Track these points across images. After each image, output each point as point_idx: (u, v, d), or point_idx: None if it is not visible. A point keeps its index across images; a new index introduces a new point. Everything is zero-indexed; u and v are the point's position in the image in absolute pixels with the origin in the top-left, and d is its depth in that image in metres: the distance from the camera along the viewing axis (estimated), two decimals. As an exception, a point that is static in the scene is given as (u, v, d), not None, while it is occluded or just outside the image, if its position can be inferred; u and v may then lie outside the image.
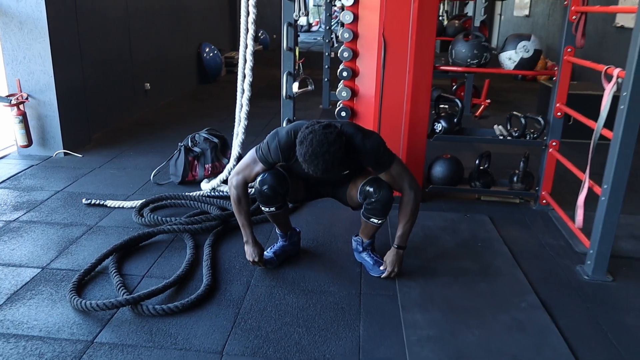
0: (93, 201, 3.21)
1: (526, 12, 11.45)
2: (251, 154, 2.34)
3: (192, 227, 2.79)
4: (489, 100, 6.15)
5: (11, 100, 3.87)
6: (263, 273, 2.51)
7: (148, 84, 5.80)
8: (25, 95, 3.97)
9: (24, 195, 3.34)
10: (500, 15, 13.65)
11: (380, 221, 2.39)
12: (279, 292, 2.35)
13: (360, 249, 2.59)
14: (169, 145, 4.21)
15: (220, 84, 7.69)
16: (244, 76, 3.25)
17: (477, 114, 6.04)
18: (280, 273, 2.52)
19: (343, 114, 3.26)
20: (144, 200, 3.17)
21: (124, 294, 2.22)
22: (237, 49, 3.11)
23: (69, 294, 2.23)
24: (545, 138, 3.28)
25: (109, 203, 3.19)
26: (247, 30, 3.23)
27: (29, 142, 4.03)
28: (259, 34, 11.54)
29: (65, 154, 4.12)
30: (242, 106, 3.29)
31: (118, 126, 5.06)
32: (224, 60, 8.26)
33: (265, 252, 2.57)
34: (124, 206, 3.17)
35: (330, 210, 3.25)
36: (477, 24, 5.58)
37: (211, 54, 7.81)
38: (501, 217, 3.24)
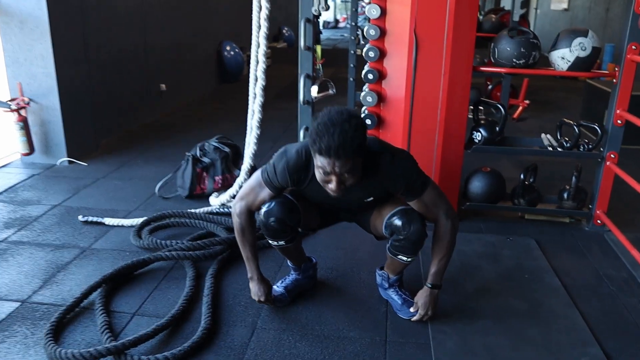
0: (90, 218, 2.90)
1: (564, 5, 10.82)
2: (257, 176, 1.98)
3: (194, 253, 2.45)
4: (527, 101, 5.68)
5: (11, 106, 3.61)
6: (271, 312, 2.15)
7: (164, 85, 5.50)
8: (26, 100, 3.70)
9: (19, 210, 3.05)
10: (536, 9, 12.99)
11: (409, 259, 2.01)
12: (290, 338, 1.99)
13: (386, 285, 2.20)
14: (182, 151, 3.86)
15: (241, 84, 7.35)
16: (256, 79, 2.89)
17: (514, 115, 5.57)
18: (291, 312, 2.15)
19: (368, 121, 2.88)
20: (145, 218, 2.85)
21: (108, 338, 1.90)
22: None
23: (45, 338, 1.91)
24: (602, 149, 2.84)
25: (107, 221, 2.88)
26: (259, 27, 2.88)
27: (31, 150, 3.77)
28: (284, 31, 11.19)
29: (69, 162, 3.85)
30: (253, 113, 2.94)
31: (129, 131, 4.78)
32: (246, 59, 7.93)
33: (274, 287, 2.22)
34: (123, 224, 2.86)
35: (352, 232, 2.85)
36: (515, 18, 5.14)
37: (232, 53, 7.49)
38: (549, 240, 2.81)
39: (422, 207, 1.91)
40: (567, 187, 2.96)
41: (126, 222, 2.87)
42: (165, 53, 5.57)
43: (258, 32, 2.88)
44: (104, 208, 3.10)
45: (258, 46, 2.90)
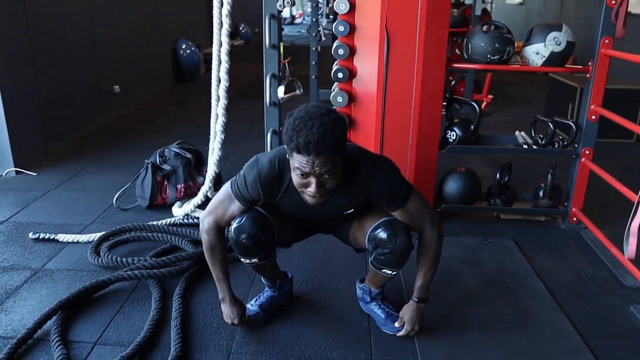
0: (42, 235, 2.66)
1: (519, -1, 10.98)
2: (226, 188, 1.81)
3: (159, 271, 2.26)
4: (491, 96, 5.67)
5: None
6: (247, 334, 1.99)
7: (117, 87, 5.22)
8: (-35, 106, 3.39)
9: (-40, 229, 2.79)
10: (492, 3, 13.16)
11: (394, 272, 1.88)
12: (268, 363, 1.84)
13: (368, 298, 2.08)
14: (140, 157, 3.62)
15: (198, 83, 7.12)
16: (219, 80, 2.71)
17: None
18: (268, 333, 2.00)
19: (340, 99, 2.73)
20: (103, 233, 2.63)
21: (65, 375, 1.70)
22: (215, 46, 2.64)
23: (-8, 378, 1.70)
24: (576, 146, 2.79)
25: (61, 237, 2.65)
26: (221, 24, 2.70)
27: (-28, 161, 3.47)
28: (240, 28, 10.94)
29: (17, 172, 3.56)
30: (217, 117, 2.76)
31: (82, 135, 4.49)
32: (202, 57, 7.67)
33: (248, 306, 2.06)
34: (79, 241, 2.64)
35: (325, 240, 2.71)
36: (477, 12, 5.11)
37: (188, 51, 7.22)
38: (527, 240, 2.75)
39: (407, 217, 1.79)
40: (543, 185, 2.91)
41: (82, 237, 2.64)
42: (117, 52, 5.28)
43: (220, 30, 2.70)
44: (57, 223, 2.86)
45: (220, 44, 2.72)
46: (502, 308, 2.15)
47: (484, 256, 2.57)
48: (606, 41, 2.58)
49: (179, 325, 1.97)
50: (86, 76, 4.67)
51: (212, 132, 2.83)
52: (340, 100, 2.72)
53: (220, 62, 2.69)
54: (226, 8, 2.65)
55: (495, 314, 2.12)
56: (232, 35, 10.61)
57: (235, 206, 1.79)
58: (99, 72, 4.88)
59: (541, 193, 2.90)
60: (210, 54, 2.84)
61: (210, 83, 2.80)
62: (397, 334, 1.96)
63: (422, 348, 1.91)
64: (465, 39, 2.69)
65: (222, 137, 2.76)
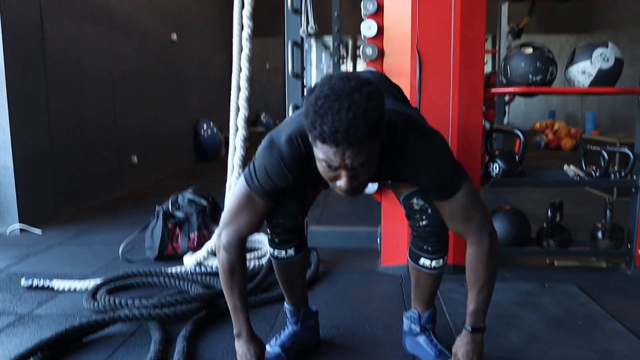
0: (35, 282, 2.36)
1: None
2: (242, 188, 1.47)
3: (162, 311, 1.92)
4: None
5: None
6: (265, 379, 1.61)
7: (135, 157, 5.11)
8: (-27, 159, 3.24)
9: (-52, 280, 2.50)
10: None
11: (435, 263, 1.57)
12: (291, 411, 1.45)
13: (417, 329, 1.69)
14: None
15: (219, 164, 7.00)
16: (237, 109, 2.52)
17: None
18: (291, 377, 1.62)
19: (370, 185, 2.48)
20: (103, 279, 2.32)
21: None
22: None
23: None
24: (635, 177, 2.48)
25: (56, 284, 2.34)
26: (237, 109, 2.54)
27: (-25, 216, 3.26)
28: (262, 117, 11.12)
29: (21, 230, 3.32)
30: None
31: (96, 202, 4.29)
32: (223, 139, 7.66)
33: (267, 347, 1.68)
34: (76, 288, 2.32)
35: (357, 285, 2.39)
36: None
37: (209, 132, 7.22)
38: (591, 285, 2.36)
39: (450, 213, 1.44)
40: (600, 225, 2.56)
41: (79, 284, 2.33)
42: (138, 125, 5.23)
43: (236, 115, 2.55)
44: (55, 273, 2.57)
45: (237, 130, 2.56)
46: (579, 350, 1.75)
47: (545, 300, 2.18)
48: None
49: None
50: (105, 144, 4.56)
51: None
52: None
53: (235, 149, 2.51)
54: (244, 93, 2.51)
55: (572, 356, 1.71)
56: (254, 122, 10.81)
57: (260, 205, 1.46)
58: (118, 142, 4.79)
59: (600, 234, 2.55)
60: None
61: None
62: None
63: (486, 394, 1.50)
64: (503, 62, 2.50)
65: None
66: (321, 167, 1.25)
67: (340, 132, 1.14)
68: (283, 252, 1.64)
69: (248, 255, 2.62)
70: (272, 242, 1.66)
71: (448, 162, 1.39)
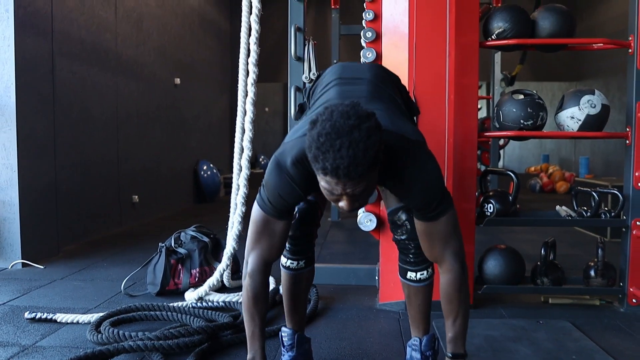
0: (39, 315, 2.40)
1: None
2: (257, 216, 1.56)
3: (165, 343, 1.96)
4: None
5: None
6: (267, 408, 1.64)
7: (136, 197, 5.19)
8: (-19, 195, 3.32)
9: (-48, 313, 2.53)
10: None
11: (420, 275, 1.69)
12: None
13: (417, 356, 1.75)
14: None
15: (218, 204, 7.09)
16: (242, 150, 2.63)
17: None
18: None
19: (368, 223, 2.58)
20: (106, 312, 2.36)
21: None
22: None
23: None
24: (624, 217, 2.57)
25: (60, 317, 2.38)
26: (241, 150, 2.66)
27: (-21, 252, 3.30)
28: (260, 159, 11.26)
29: (23, 264, 3.36)
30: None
31: (97, 239, 4.34)
32: (222, 181, 7.77)
33: (270, 375, 1.74)
34: (79, 321, 2.36)
35: (356, 321, 2.43)
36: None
37: (209, 172, 7.33)
38: (585, 322, 2.41)
39: (431, 236, 1.53)
40: (592, 264, 2.63)
41: (83, 318, 2.37)
42: (140, 165, 5.34)
43: (240, 156, 2.66)
44: (57, 307, 2.60)
45: (240, 170, 2.67)
46: (573, 384, 1.79)
47: (540, 336, 2.22)
48: (642, 105, 2.49)
49: (184, 397, 1.64)
50: (107, 183, 4.65)
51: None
52: None
53: (238, 188, 2.62)
54: (248, 135, 2.63)
55: (566, 389, 1.75)
56: (253, 164, 10.94)
57: (278, 226, 1.55)
58: (120, 181, 4.88)
59: (592, 272, 2.61)
60: (230, 179, 2.79)
61: (229, 202, 2.74)
62: (446, 410, 1.60)
63: None
64: (496, 108, 2.63)
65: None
66: (324, 191, 1.35)
67: (342, 169, 1.23)
68: (295, 263, 1.76)
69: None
70: (286, 252, 1.76)
71: (438, 187, 1.49)
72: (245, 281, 1.58)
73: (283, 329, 1.84)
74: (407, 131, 1.48)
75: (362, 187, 1.29)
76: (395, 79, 1.84)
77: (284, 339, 1.82)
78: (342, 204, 1.33)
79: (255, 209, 1.56)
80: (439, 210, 1.49)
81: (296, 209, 1.73)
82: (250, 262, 1.57)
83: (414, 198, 1.48)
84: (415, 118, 1.94)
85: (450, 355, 1.59)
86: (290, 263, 1.78)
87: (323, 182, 1.30)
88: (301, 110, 1.87)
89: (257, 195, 1.55)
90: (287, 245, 1.75)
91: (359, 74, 1.72)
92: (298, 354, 1.80)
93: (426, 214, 1.50)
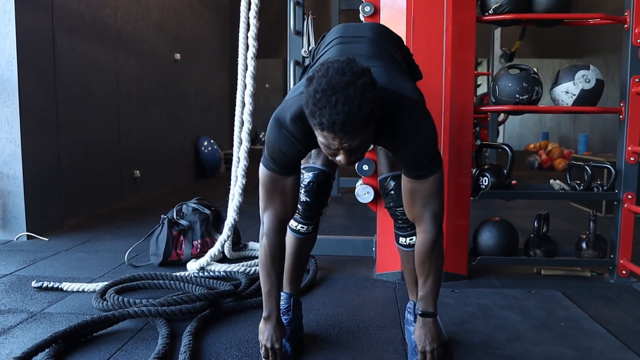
0: (45, 284, 2.47)
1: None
2: (264, 175, 1.61)
3: (169, 308, 2.03)
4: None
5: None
6: (266, 369, 1.72)
7: (138, 172, 5.24)
8: (-15, 169, 3.37)
9: (-40, 282, 2.61)
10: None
11: (409, 240, 1.79)
12: (291, 396, 1.56)
13: (412, 318, 1.83)
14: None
15: (218, 179, 7.15)
16: (242, 123, 2.67)
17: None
18: (291, 368, 1.73)
19: (366, 195, 2.61)
20: (111, 281, 2.43)
21: (53, 402, 1.44)
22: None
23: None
24: (617, 191, 2.62)
25: (66, 286, 2.46)
26: (242, 123, 2.69)
27: (-15, 224, 3.37)
28: (260, 135, 11.29)
29: (28, 237, 3.43)
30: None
31: (99, 214, 4.41)
32: (223, 157, 7.82)
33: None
34: (85, 290, 2.43)
35: (353, 290, 2.51)
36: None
37: (209, 148, 7.37)
38: (575, 292, 2.48)
39: (414, 194, 1.59)
40: (584, 236, 2.69)
41: (88, 286, 2.44)
42: (141, 140, 5.37)
43: (241, 129, 2.70)
44: (63, 276, 2.68)
45: (240, 143, 2.70)
46: (561, 348, 1.86)
47: (531, 305, 2.30)
48: (636, 79, 2.52)
49: (188, 358, 1.71)
50: (108, 158, 4.69)
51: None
52: (367, 168, 2.59)
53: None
54: (248, 108, 2.64)
55: (553, 353, 1.83)
56: (253, 141, 10.96)
57: (287, 183, 1.60)
58: (121, 156, 4.92)
59: (584, 244, 2.68)
60: (231, 154, 2.82)
61: (230, 178, 2.78)
62: (414, 362, 1.69)
63: (472, 383, 1.62)
64: (492, 82, 2.66)
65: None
66: (322, 146, 1.39)
67: (337, 124, 1.28)
68: (305, 227, 1.85)
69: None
70: (297, 216, 1.85)
71: (431, 146, 1.52)
72: (262, 241, 1.64)
73: (285, 285, 1.91)
74: (405, 88, 1.50)
75: (358, 141, 1.34)
76: (397, 38, 1.86)
77: (280, 302, 1.89)
78: (340, 158, 1.38)
79: (262, 169, 1.61)
80: (427, 170, 1.53)
81: (313, 178, 1.81)
82: (265, 222, 1.63)
83: (405, 154, 1.52)
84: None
85: (420, 312, 1.68)
86: (301, 227, 1.86)
87: (320, 137, 1.35)
88: (304, 71, 1.91)
89: (262, 159, 1.60)
90: (300, 209, 1.84)
91: (360, 32, 1.74)
92: (293, 317, 1.87)
93: (414, 171, 1.55)
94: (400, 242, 1.85)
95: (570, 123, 10.22)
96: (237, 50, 2.62)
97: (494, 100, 2.65)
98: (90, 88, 4.34)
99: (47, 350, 1.75)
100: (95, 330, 1.94)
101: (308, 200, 1.84)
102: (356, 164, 2.47)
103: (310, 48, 2.62)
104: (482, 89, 6.67)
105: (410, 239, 1.80)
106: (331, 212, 4.54)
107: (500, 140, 6.44)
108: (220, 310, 2.16)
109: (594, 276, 2.71)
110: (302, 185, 1.83)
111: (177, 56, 6.35)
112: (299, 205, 1.84)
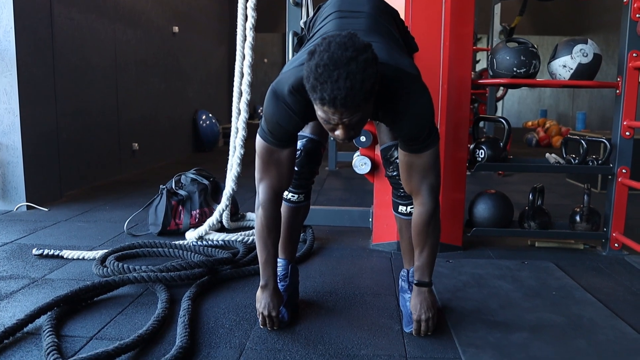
0: (46, 251, 2.51)
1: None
2: (260, 146, 1.62)
3: (168, 274, 2.07)
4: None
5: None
6: (263, 333, 1.76)
7: (136, 144, 5.25)
8: (-16, 139, 3.38)
9: (-38, 249, 2.64)
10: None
11: (410, 209, 1.80)
12: (288, 358, 1.60)
13: (405, 286, 1.87)
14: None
15: (216, 153, 7.16)
16: (240, 94, 2.68)
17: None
18: (286, 332, 1.77)
19: (363, 166, 2.63)
20: (110, 249, 2.47)
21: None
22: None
23: (-27, 363, 1.49)
24: (611, 165, 2.65)
25: (66, 254, 2.49)
26: (240, 94, 2.68)
27: (-15, 194, 3.39)
28: (258, 110, 11.25)
29: (28, 207, 3.46)
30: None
31: (98, 185, 4.43)
32: (221, 131, 7.81)
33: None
34: (85, 257, 2.47)
35: (349, 259, 2.55)
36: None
37: (208, 122, 7.36)
38: (568, 264, 2.52)
39: (411, 167, 1.61)
40: (578, 209, 2.73)
41: (88, 254, 2.48)
42: (139, 113, 5.37)
43: (239, 100, 2.69)
44: (63, 245, 2.71)
45: (239, 113, 2.70)
46: (552, 315, 1.91)
47: (524, 275, 2.34)
48: (634, 54, 2.52)
49: (186, 322, 1.75)
50: (107, 130, 4.70)
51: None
52: (364, 139, 2.60)
53: (237, 131, 2.66)
54: (247, 79, 2.63)
55: (544, 319, 1.87)
56: (251, 116, 10.94)
57: (283, 154, 1.62)
58: (119, 129, 4.93)
59: (578, 217, 2.72)
60: (229, 129, 2.83)
61: (228, 152, 2.79)
62: (408, 330, 1.75)
63: (463, 346, 1.66)
64: (490, 56, 2.66)
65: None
66: (321, 120, 1.40)
67: (339, 99, 1.28)
68: (296, 196, 1.88)
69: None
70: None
71: (428, 120, 1.55)
72: (258, 211, 1.67)
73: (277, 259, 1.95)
74: (404, 64, 1.51)
75: (357, 117, 1.35)
76: (393, 11, 1.86)
77: (278, 269, 1.92)
78: (338, 132, 1.39)
79: (259, 140, 1.62)
80: (424, 144, 1.56)
81: (301, 147, 1.83)
82: (261, 192, 1.65)
83: (402, 128, 1.54)
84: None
85: (416, 282, 1.73)
86: (292, 196, 1.88)
87: (320, 112, 1.36)
88: (300, 42, 1.91)
89: (259, 130, 1.62)
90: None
91: (357, 7, 1.73)
92: (290, 284, 1.91)
93: (412, 145, 1.57)
94: (399, 210, 1.87)
95: (568, 101, 10.21)
96: (236, 23, 2.61)
97: (491, 74, 2.66)
98: (88, 59, 4.32)
99: (49, 313, 1.78)
100: (96, 294, 1.98)
101: (297, 169, 1.85)
102: None
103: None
104: (481, 65, 6.65)
105: (411, 207, 1.81)
106: (329, 185, 4.57)
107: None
108: (219, 277, 2.20)
109: (587, 249, 2.75)
110: None
111: (176, 29, 6.30)
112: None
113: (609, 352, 1.64)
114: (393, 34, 1.72)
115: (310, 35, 1.79)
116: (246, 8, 2.62)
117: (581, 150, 2.66)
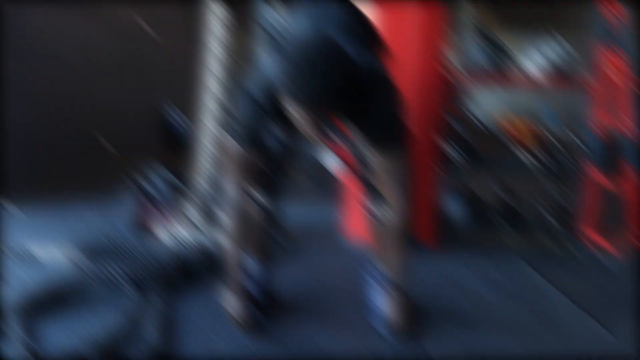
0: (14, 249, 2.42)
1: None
2: (231, 148, 1.61)
3: (139, 273, 2.02)
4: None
5: None
6: (237, 333, 1.73)
7: (104, 140, 5.12)
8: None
9: None
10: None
11: (382, 211, 1.74)
12: None
13: (377, 283, 1.87)
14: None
15: (187, 151, 7.03)
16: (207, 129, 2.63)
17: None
18: (260, 333, 1.74)
19: (334, 164, 2.62)
20: (81, 247, 2.39)
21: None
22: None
23: None
24: (582, 163, 2.69)
25: (35, 251, 2.41)
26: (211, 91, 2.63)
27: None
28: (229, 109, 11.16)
29: (-9, 204, 3.34)
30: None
31: (64, 182, 4.30)
32: (191, 129, 7.69)
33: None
34: (54, 255, 2.39)
35: (323, 257, 2.54)
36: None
37: (178, 120, 7.23)
38: (540, 262, 2.54)
39: (380, 169, 1.60)
40: (550, 208, 2.77)
41: (57, 252, 2.40)
42: (105, 109, 5.24)
43: (210, 97, 2.66)
44: (31, 242, 2.61)
45: (210, 111, 2.66)
46: (521, 313, 1.93)
47: (495, 273, 2.35)
48: (603, 51, 2.56)
49: (159, 321, 1.71)
50: (75, 125, 4.57)
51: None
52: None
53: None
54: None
55: (511, 315, 1.90)
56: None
57: (253, 155, 1.60)
58: (88, 123, 4.80)
59: (549, 216, 2.75)
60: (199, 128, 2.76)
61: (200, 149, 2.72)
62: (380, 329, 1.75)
63: (434, 346, 1.66)
64: (460, 53, 2.67)
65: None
66: (294, 119, 1.38)
67: (312, 98, 1.28)
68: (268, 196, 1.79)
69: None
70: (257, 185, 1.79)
71: (398, 121, 1.54)
72: (226, 212, 1.65)
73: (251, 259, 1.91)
74: (375, 64, 1.51)
75: (330, 115, 1.34)
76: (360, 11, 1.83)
77: (251, 268, 1.89)
78: (310, 130, 1.37)
79: (228, 140, 1.59)
80: (395, 144, 1.55)
81: (272, 147, 1.76)
82: (229, 192, 1.63)
83: (373, 128, 1.53)
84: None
85: (388, 283, 1.74)
86: (261, 196, 1.82)
87: (292, 110, 1.34)
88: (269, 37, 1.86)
89: (228, 127, 1.59)
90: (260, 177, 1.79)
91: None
92: (262, 284, 1.87)
93: (382, 144, 1.55)
94: (369, 210, 1.84)
95: (540, 99, 10.39)
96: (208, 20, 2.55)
97: (462, 70, 2.67)
98: (54, 53, 4.19)
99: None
100: (66, 294, 1.92)
101: (267, 168, 1.77)
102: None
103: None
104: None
105: (381, 208, 1.80)
106: (303, 183, 4.53)
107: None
108: (190, 276, 2.15)
109: (558, 246, 2.79)
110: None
111: (142, 22, 6.15)
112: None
113: (577, 348, 1.66)
114: (364, 32, 1.70)
115: (279, 31, 1.75)
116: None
117: (552, 149, 2.69)
